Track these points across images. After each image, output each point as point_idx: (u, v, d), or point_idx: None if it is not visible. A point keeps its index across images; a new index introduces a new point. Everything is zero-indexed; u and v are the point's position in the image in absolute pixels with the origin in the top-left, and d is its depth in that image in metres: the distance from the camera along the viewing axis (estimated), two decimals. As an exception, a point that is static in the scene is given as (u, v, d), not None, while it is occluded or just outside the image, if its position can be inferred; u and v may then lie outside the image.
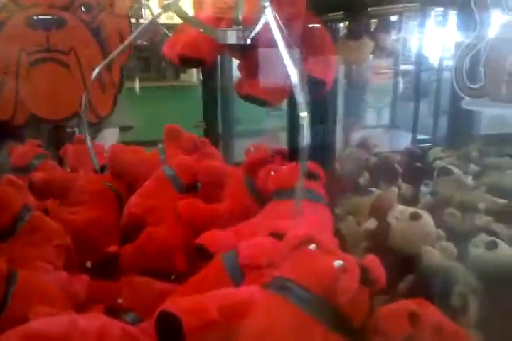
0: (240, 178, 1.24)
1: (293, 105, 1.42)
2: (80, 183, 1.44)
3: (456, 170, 1.52)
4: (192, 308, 0.64)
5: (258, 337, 0.64)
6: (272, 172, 1.13)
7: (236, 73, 1.35)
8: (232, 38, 0.99)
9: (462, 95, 1.31)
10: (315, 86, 1.02)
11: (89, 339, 0.66)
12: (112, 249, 1.23)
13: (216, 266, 0.88)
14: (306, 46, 1.01)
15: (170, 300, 0.69)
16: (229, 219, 1.16)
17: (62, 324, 0.68)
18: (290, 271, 0.69)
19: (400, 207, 1.05)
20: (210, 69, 2.17)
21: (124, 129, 2.40)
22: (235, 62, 1.30)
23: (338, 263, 0.65)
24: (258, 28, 0.93)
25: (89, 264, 1.25)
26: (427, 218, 1.03)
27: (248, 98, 1.09)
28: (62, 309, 0.86)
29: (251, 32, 0.95)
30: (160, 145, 1.53)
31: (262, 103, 1.09)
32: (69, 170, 1.60)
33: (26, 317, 0.74)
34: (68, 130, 1.93)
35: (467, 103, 1.33)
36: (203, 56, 1.01)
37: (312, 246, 0.69)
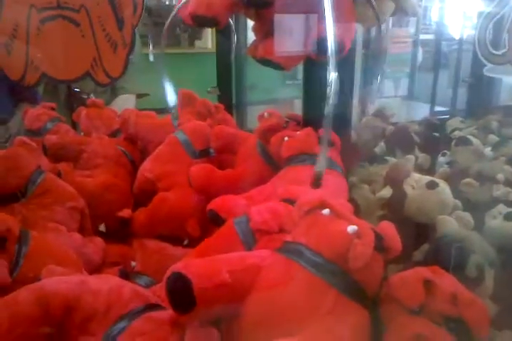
0: (253, 144, 1.23)
1: (309, 72, 1.39)
2: (94, 147, 1.44)
3: (474, 140, 1.49)
4: (203, 270, 0.63)
5: (269, 301, 0.63)
6: (286, 138, 1.11)
7: (251, 41, 1.31)
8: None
9: (485, 62, 1.27)
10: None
11: (100, 299, 0.66)
12: (126, 212, 1.24)
13: (228, 231, 0.87)
14: (320, 5, 0.97)
15: (181, 262, 0.68)
16: (242, 185, 1.15)
17: (74, 283, 0.68)
18: (302, 235, 0.68)
19: (416, 176, 1.03)
20: (225, 35, 2.12)
21: (140, 96, 2.38)
22: (250, 29, 1.26)
23: (351, 228, 0.63)
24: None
25: (102, 228, 1.26)
26: (444, 187, 1.01)
27: (262, 61, 1.06)
28: (75, 270, 0.86)
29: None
30: (173, 111, 1.51)
31: (276, 66, 1.05)
32: (82, 133, 1.59)
33: (38, 277, 0.74)
34: (83, 96, 1.92)
35: (490, 70, 1.29)
36: (217, 14, 0.97)
37: (325, 211, 0.68)
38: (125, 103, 2.26)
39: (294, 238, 0.70)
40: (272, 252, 0.70)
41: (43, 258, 0.83)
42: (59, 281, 0.68)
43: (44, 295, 0.65)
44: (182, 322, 0.64)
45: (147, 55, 2.46)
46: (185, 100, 1.59)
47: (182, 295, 0.61)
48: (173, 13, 1.17)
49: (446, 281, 0.63)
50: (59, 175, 1.25)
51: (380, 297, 0.66)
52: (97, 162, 1.40)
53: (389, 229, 0.67)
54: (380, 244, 0.64)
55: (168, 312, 0.66)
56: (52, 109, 1.66)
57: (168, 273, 0.64)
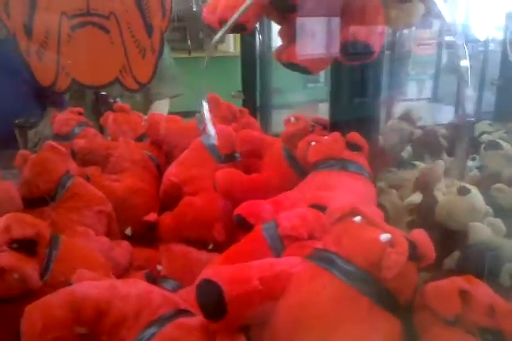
0: (279, 149, 1.22)
1: (336, 75, 1.38)
2: (121, 151, 1.45)
3: (504, 143, 1.46)
4: (233, 277, 0.63)
5: (300, 309, 0.63)
6: (313, 143, 1.10)
7: (275, 44, 1.31)
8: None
9: (516, 64, 1.24)
10: (358, 51, 0.96)
11: (129, 304, 0.67)
12: (152, 216, 1.24)
13: (256, 237, 0.87)
14: (350, 8, 0.96)
15: (210, 268, 0.68)
16: (268, 190, 1.14)
17: (104, 288, 0.69)
18: (333, 243, 0.67)
19: (447, 181, 1.01)
20: (249, 39, 2.12)
21: (172, 97, 2.41)
22: (274, 32, 1.26)
23: (385, 236, 0.62)
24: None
25: (129, 232, 1.26)
26: (476, 193, 0.99)
27: (289, 65, 1.05)
28: (104, 274, 0.87)
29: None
30: (198, 114, 1.52)
31: (303, 70, 1.05)
32: (109, 138, 1.60)
33: (69, 281, 0.75)
34: (111, 100, 1.94)
35: (522, 73, 1.26)
36: (247, 20, 0.97)
37: (357, 218, 0.67)
38: (162, 108, 2.30)
39: (324, 245, 0.69)
40: (301, 259, 0.70)
41: (73, 262, 0.84)
42: (90, 286, 0.69)
43: (76, 300, 0.65)
44: (213, 329, 0.64)
45: (175, 59, 2.49)
46: (210, 104, 1.59)
47: (213, 301, 0.61)
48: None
49: (483, 291, 0.61)
50: (87, 179, 1.26)
51: (414, 306, 0.65)
52: (124, 166, 1.41)
53: (422, 237, 0.65)
54: (413, 253, 0.63)
55: (198, 319, 0.66)
56: (80, 113, 1.68)
57: (199, 280, 0.64)
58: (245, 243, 0.88)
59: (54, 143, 1.21)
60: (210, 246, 1.21)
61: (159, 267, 1.18)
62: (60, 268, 0.82)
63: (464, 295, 0.60)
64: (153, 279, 1.09)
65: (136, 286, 0.72)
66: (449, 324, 0.60)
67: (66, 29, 1.30)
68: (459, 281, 0.62)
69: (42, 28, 1.32)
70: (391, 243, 0.62)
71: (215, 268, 0.67)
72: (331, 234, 0.68)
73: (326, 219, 0.72)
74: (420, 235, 0.66)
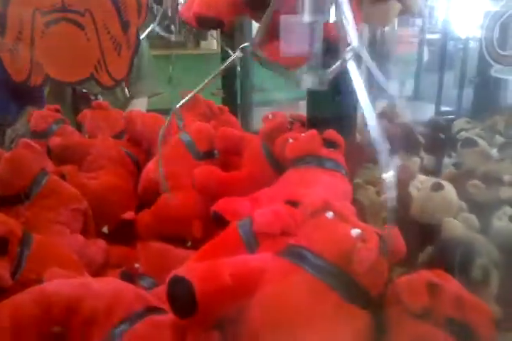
0: (258, 146, 1.22)
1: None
2: (98, 149, 1.44)
3: (480, 141, 1.48)
4: (204, 273, 0.63)
5: (271, 304, 0.63)
6: (290, 140, 1.10)
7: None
8: (308, 82, 0.91)
9: (492, 62, 1.26)
10: (333, 49, 0.97)
11: (101, 301, 0.66)
12: (129, 215, 1.24)
13: (231, 233, 0.86)
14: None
15: (182, 266, 0.68)
16: (246, 187, 1.14)
17: (76, 285, 0.68)
18: (305, 238, 0.67)
19: (422, 178, 1.02)
20: (230, 36, 2.12)
21: (151, 96, 2.40)
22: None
23: (355, 231, 0.63)
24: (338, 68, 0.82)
25: (106, 230, 1.25)
26: (449, 189, 1.00)
27: (265, 62, 1.05)
28: (77, 273, 0.86)
29: (331, 74, 0.86)
30: (176, 109, 1.51)
31: (280, 69, 1.05)
32: (87, 135, 1.59)
33: (41, 280, 0.74)
34: (91, 97, 1.92)
35: (497, 71, 1.27)
36: (220, 15, 0.97)
37: (329, 214, 0.67)
38: (140, 105, 2.28)
39: (297, 241, 0.69)
40: (274, 255, 0.70)
41: (46, 261, 0.83)
42: (61, 283, 0.68)
43: (46, 298, 0.65)
44: (184, 326, 0.63)
45: (156, 56, 2.47)
46: (188, 101, 1.58)
47: (183, 298, 0.61)
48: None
49: (451, 285, 0.62)
50: (63, 177, 1.25)
51: (385, 300, 0.65)
52: (101, 163, 1.40)
53: (393, 233, 0.66)
54: (384, 248, 0.63)
55: (169, 316, 0.65)
56: (57, 110, 1.67)
57: (170, 276, 0.63)
58: (220, 239, 0.88)
59: (29, 141, 1.20)
60: (189, 244, 1.21)
61: (137, 265, 1.17)
62: (31, 267, 0.81)
63: (432, 288, 0.61)
64: (130, 277, 1.08)
65: (108, 284, 0.72)
66: (418, 317, 0.61)
67: (40, 25, 1.28)
68: (427, 275, 0.62)
69: (15, 23, 1.30)
70: (362, 238, 0.62)
71: (186, 265, 0.67)
72: (303, 229, 0.69)
73: (299, 214, 0.72)
74: (391, 231, 0.66)
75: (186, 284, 0.61)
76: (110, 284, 0.71)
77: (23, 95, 2.07)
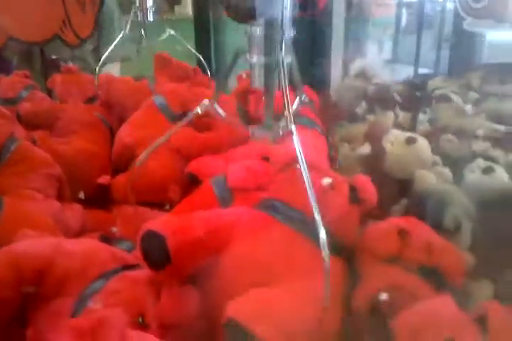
0: (232, 105, 1.20)
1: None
2: (70, 114, 1.41)
3: (454, 96, 1.48)
4: (177, 227, 0.62)
5: (246, 254, 0.63)
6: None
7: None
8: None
9: (465, 16, 1.24)
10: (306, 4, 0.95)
11: (74, 260, 0.65)
12: (104, 179, 1.22)
13: (205, 190, 0.86)
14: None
15: (155, 220, 0.67)
16: (221, 147, 1.13)
17: (47, 245, 0.67)
18: (277, 191, 0.67)
19: (395, 132, 1.02)
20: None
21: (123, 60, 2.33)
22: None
23: (325, 180, 0.62)
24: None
25: (82, 195, 1.24)
26: (423, 142, 1.00)
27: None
28: (52, 235, 0.85)
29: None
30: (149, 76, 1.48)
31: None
32: (58, 101, 1.55)
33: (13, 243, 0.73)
34: (62, 63, 1.86)
35: (470, 24, 1.26)
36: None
37: (298, 166, 0.67)
38: (113, 71, 2.22)
39: (270, 194, 0.69)
40: (248, 208, 0.70)
41: (17, 223, 0.82)
42: (31, 244, 0.67)
43: (15, 258, 0.64)
44: (158, 279, 0.63)
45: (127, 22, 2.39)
46: (161, 63, 1.55)
47: (156, 251, 0.61)
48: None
49: (421, 230, 0.63)
50: (34, 142, 1.22)
51: (357, 248, 0.66)
52: (73, 129, 1.37)
53: (364, 181, 0.66)
54: (354, 196, 0.63)
55: (144, 271, 0.65)
56: (26, 76, 1.62)
57: (142, 230, 0.63)
58: (194, 196, 0.87)
59: (-4, 107, 1.17)
60: (167, 207, 1.20)
61: (114, 229, 1.17)
62: (3, 230, 0.79)
63: (403, 234, 0.61)
64: (108, 241, 1.08)
65: (82, 244, 0.71)
66: (389, 263, 0.62)
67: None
68: (397, 221, 0.63)
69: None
70: (332, 186, 0.62)
71: (159, 219, 0.66)
72: (275, 182, 0.68)
73: (270, 168, 0.72)
74: (362, 180, 0.66)
75: (159, 237, 0.60)
76: (84, 244, 0.70)
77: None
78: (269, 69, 0.66)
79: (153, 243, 0.61)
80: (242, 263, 0.62)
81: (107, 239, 1.07)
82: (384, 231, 0.62)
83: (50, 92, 1.63)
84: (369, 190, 0.65)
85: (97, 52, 2.20)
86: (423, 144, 0.99)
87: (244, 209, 0.69)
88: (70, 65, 1.81)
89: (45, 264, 0.64)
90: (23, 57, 2.12)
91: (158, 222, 0.64)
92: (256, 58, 0.66)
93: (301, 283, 0.57)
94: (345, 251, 0.65)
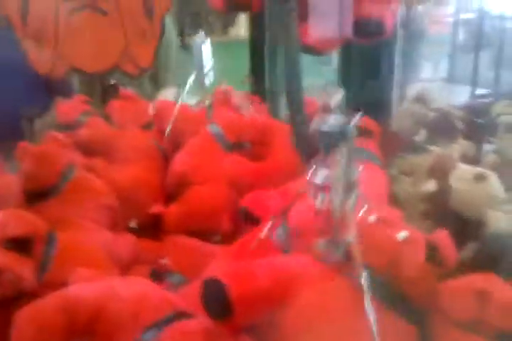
0: (287, 134, 1.17)
1: (345, 56, 1.32)
2: (127, 141, 1.41)
3: (523, 125, 1.40)
4: (240, 275, 0.59)
5: (311, 311, 0.59)
6: (323, 128, 1.04)
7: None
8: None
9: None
10: (371, 29, 0.91)
11: (127, 306, 0.63)
12: (157, 208, 1.21)
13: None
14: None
15: (215, 267, 0.64)
16: (276, 178, 1.10)
17: (101, 289, 0.65)
18: None
19: (463, 167, 0.96)
20: (259, 21, 2.05)
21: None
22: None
23: (401, 235, 0.58)
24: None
25: (134, 224, 1.23)
26: (493, 179, 0.94)
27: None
28: (106, 271, 0.84)
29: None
30: (207, 102, 1.47)
31: (312, 51, 0.99)
32: (115, 127, 1.57)
33: (67, 281, 0.72)
34: (122, 88, 1.89)
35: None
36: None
37: (371, 218, 0.62)
38: (169, 95, 2.25)
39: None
40: (313, 259, 0.66)
41: (71, 261, 0.81)
42: (85, 288, 0.66)
43: (70, 303, 0.62)
44: (213, 331, 0.60)
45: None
46: (221, 97, 1.55)
47: (218, 301, 0.58)
48: None
49: (502, 290, 0.56)
50: (90, 170, 1.23)
51: (429, 309, 0.60)
52: (130, 156, 1.37)
53: (444, 239, 0.61)
54: (432, 255, 0.58)
55: (199, 321, 0.62)
56: (86, 102, 1.65)
57: (204, 278, 0.60)
58: (252, 237, 0.84)
59: (56, 134, 1.18)
60: (218, 238, 1.18)
61: (164, 260, 1.15)
62: (57, 267, 0.79)
63: (481, 295, 0.55)
64: (159, 275, 1.06)
65: (134, 287, 0.69)
66: (465, 328, 0.56)
67: (63, 13, 1.24)
68: (475, 280, 0.57)
69: (37, 12, 1.26)
70: (408, 242, 0.57)
71: (221, 267, 0.63)
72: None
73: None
74: (442, 237, 0.61)
75: (221, 285, 0.57)
76: (136, 287, 0.68)
77: (53, 86, 2.06)
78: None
79: (215, 291, 0.58)
80: (304, 320, 0.58)
81: (159, 274, 1.06)
82: (460, 293, 0.56)
83: (108, 118, 1.66)
84: (449, 250, 0.60)
85: (155, 78, 2.24)
86: (493, 181, 0.93)
87: (310, 260, 0.65)
88: (129, 90, 1.84)
89: (99, 310, 0.62)
90: (84, 81, 2.17)
91: (221, 269, 0.61)
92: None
93: None
94: (416, 315, 0.59)
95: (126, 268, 1.07)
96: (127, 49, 1.30)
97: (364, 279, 0.54)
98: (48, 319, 0.60)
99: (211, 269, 0.63)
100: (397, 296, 0.58)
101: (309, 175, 0.62)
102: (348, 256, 0.58)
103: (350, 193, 0.58)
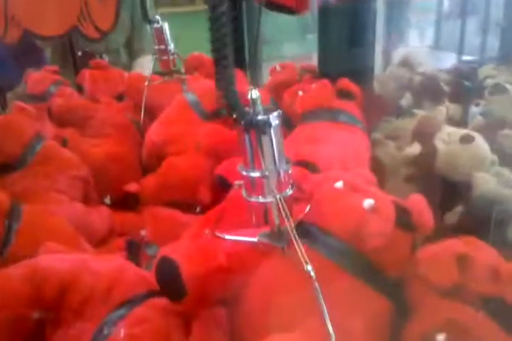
0: (265, 100, 1.12)
1: (324, 19, 1.26)
2: (102, 114, 1.36)
3: (510, 87, 1.36)
4: (195, 252, 0.55)
5: (272, 285, 0.55)
6: (300, 93, 1.00)
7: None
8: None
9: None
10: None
11: (100, 280, 0.59)
12: (133, 186, 1.16)
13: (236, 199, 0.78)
14: None
15: (171, 244, 0.60)
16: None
17: (72, 261, 0.61)
18: (312, 213, 0.58)
19: (449, 129, 0.92)
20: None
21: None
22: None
23: (367, 202, 0.53)
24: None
25: (108, 201, 1.18)
26: (480, 140, 0.90)
27: (270, 5, 0.94)
28: (75, 246, 0.80)
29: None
30: (181, 70, 1.41)
31: (287, 11, 0.94)
32: (87, 97, 1.51)
33: (32, 256, 0.68)
34: (97, 57, 1.82)
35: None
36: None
37: (338, 184, 0.58)
38: (145, 64, 2.18)
39: (305, 216, 0.60)
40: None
41: (37, 235, 0.77)
42: (56, 259, 0.61)
43: (38, 273, 0.58)
44: (179, 309, 0.56)
45: (164, 14, 2.34)
46: (195, 63, 1.49)
47: (172, 281, 0.53)
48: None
49: (486, 255, 0.53)
50: (64, 142, 1.18)
51: (407, 277, 0.56)
52: (105, 130, 1.32)
53: (419, 203, 0.56)
54: (405, 221, 0.54)
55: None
56: (56, 72, 1.58)
57: (158, 256, 0.56)
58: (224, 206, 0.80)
59: (21, 103, 1.12)
60: (198, 209, 1.14)
61: (143, 232, 1.11)
62: (21, 242, 0.74)
63: (463, 259, 0.52)
64: (136, 245, 1.03)
65: (109, 262, 0.65)
66: (447, 295, 0.52)
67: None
68: (456, 245, 0.53)
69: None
70: (375, 209, 0.53)
71: (175, 244, 0.59)
72: (310, 202, 0.60)
73: (312, 178, 0.63)
74: (417, 201, 0.57)
75: (173, 265, 0.53)
76: (110, 263, 0.64)
77: (24, 57, 1.99)
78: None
79: (169, 271, 0.54)
80: (267, 295, 0.54)
81: (135, 243, 1.03)
82: (440, 258, 0.52)
83: (80, 88, 1.59)
84: (425, 215, 0.55)
85: (130, 45, 2.17)
86: (481, 142, 0.89)
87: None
88: (105, 58, 1.77)
89: (68, 283, 0.58)
90: (56, 52, 2.09)
91: (174, 245, 0.57)
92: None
93: (333, 324, 0.48)
94: (390, 285, 0.55)
95: (101, 241, 1.03)
96: (86, 11, 1.21)
97: (309, 269, 0.50)
98: (13, 288, 0.56)
99: (165, 248, 0.58)
100: (367, 266, 0.54)
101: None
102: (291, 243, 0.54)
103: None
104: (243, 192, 0.55)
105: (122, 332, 0.55)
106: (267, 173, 0.52)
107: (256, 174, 0.53)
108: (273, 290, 0.55)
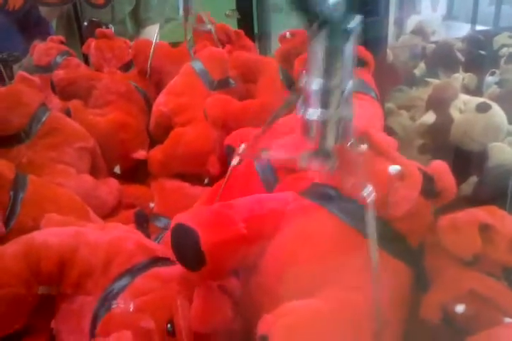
0: (274, 69, 1.09)
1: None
2: (105, 83, 1.33)
3: (527, 55, 1.32)
4: (213, 220, 0.53)
5: (291, 252, 0.53)
6: (312, 60, 0.96)
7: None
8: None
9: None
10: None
11: (98, 252, 0.58)
12: (140, 154, 1.15)
13: (245, 169, 0.76)
14: None
15: (188, 211, 0.58)
16: (263, 117, 1.03)
17: (69, 235, 0.60)
18: (333, 176, 0.56)
19: (465, 97, 0.89)
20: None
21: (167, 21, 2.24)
22: None
23: (394, 168, 0.51)
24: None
25: (118, 170, 1.17)
26: (497, 109, 0.87)
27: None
28: (80, 217, 0.78)
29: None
30: (188, 36, 1.37)
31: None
32: (93, 68, 1.48)
33: (39, 226, 0.67)
34: (102, 27, 1.79)
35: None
36: None
37: (363, 147, 0.55)
38: (152, 34, 2.14)
39: (323, 179, 0.58)
40: (296, 195, 0.60)
41: (43, 205, 0.75)
42: (51, 233, 0.60)
43: (34, 249, 0.57)
44: (192, 280, 0.55)
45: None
46: (200, 26, 1.44)
47: (188, 250, 0.52)
48: None
49: (508, 224, 0.51)
50: (68, 113, 1.16)
51: (427, 246, 0.55)
52: (108, 99, 1.29)
53: (442, 170, 0.54)
54: (429, 188, 0.52)
55: (176, 268, 0.57)
56: (62, 42, 1.55)
57: (173, 223, 0.54)
58: (234, 176, 0.78)
59: (25, 74, 1.10)
60: (206, 181, 1.12)
61: (152, 204, 1.10)
62: (27, 212, 0.73)
63: (484, 229, 0.50)
64: (144, 218, 1.02)
65: (108, 232, 0.63)
66: (468, 265, 0.51)
67: None
68: (478, 213, 0.51)
69: None
70: (401, 176, 0.51)
71: (193, 210, 0.57)
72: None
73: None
74: (440, 168, 0.55)
75: (192, 233, 0.51)
76: (110, 232, 0.63)
77: (30, 30, 1.96)
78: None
79: (186, 240, 0.52)
80: (287, 262, 0.53)
81: (143, 215, 1.02)
82: (462, 227, 0.50)
83: (86, 58, 1.56)
84: (449, 181, 0.53)
85: (136, 15, 2.12)
86: (497, 111, 0.86)
87: (291, 196, 0.59)
88: (111, 28, 1.73)
89: (65, 257, 0.57)
90: (61, 22, 2.06)
91: (191, 213, 0.55)
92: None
93: (352, 291, 0.47)
94: (412, 254, 0.54)
95: (110, 213, 1.03)
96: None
97: (368, 196, 0.47)
98: (8, 265, 0.55)
99: (182, 214, 0.56)
100: (388, 233, 0.52)
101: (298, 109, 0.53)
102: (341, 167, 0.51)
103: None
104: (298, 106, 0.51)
105: (122, 305, 0.53)
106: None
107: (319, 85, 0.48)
108: (292, 257, 0.53)
